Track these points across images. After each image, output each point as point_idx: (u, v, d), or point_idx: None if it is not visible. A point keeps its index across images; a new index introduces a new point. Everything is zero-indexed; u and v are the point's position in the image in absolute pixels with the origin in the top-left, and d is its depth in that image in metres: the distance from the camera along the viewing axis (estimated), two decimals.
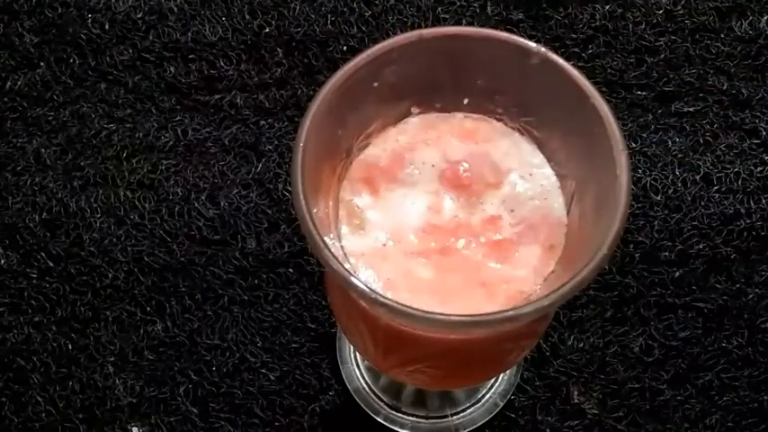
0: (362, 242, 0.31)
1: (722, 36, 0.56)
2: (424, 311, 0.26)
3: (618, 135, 0.28)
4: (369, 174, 0.33)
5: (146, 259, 0.50)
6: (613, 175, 0.28)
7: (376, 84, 0.31)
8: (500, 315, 0.26)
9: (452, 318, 0.27)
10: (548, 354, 0.49)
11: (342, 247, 0.31)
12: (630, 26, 0.56)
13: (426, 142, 0.33)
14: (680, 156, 0.53)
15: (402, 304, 0.26)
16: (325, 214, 0.31)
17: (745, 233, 0.51)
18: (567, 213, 0.32)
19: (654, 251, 0.50)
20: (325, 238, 0.27)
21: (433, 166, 0.33)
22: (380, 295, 0.26)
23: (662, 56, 0.56)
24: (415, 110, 0.33)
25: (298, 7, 0.57)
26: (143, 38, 0.57)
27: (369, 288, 0.26)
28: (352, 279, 0.26)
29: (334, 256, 0.27)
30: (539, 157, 0.33)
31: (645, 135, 0.54)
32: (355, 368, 0.49)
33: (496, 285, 0.30)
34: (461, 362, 0.33)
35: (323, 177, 0.30)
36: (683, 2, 0.57)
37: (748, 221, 0.51)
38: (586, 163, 0.30)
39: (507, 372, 0.48)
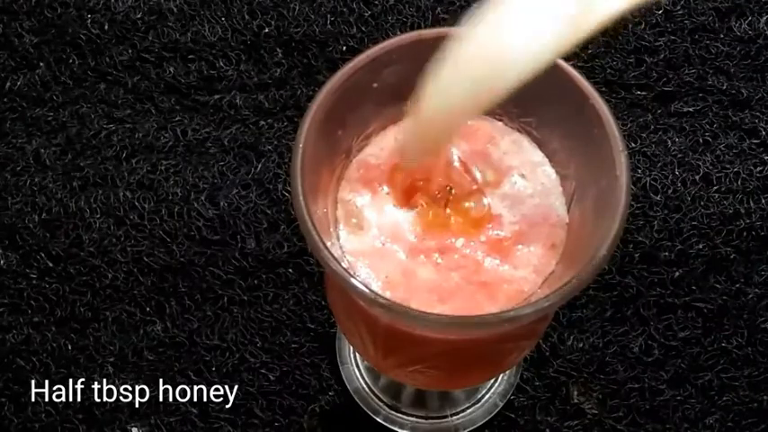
0: (361, 242, 0.31)
1: (722, 36, 0.56)
2: (423, 312, 0.26)
3: (617, 135, 0.28)
4: (367, 173, 0.33)
5: (145, 259, 0.50)
6: (613, 175, 0.28)
7: (375, 85, 0.31)
8: (500, 316, 0.26)
9: (451, 318, 0.27)
10: (547, 354, 0.49)
11: (341, 246, 0.31)
12: (630, 26, 0.56)
13: None
14: (680, 156, 0.53)
15: (401, 305, 0.26)
16: (325, 214, 0.31)
17: (745, 233, 0.51)
18: (567, 213, 0.32)
19: (653, 251, 0.50)
20: (325, 239, 0.27)
21: None
22: (379, 296, 0.26)
23: (661, 56, 0.56)
24: None
25: (297, 7, 0.57)
26: (142, 38, 0.57)
27: (368, 288, 0.26)
28: (352, 279, 0.26)
29: (333, 256, 0.27)
30: (539, 156, 0.33)
31: (644, 135, 0.54)
32: (355, 368, 0.49)
33: (496, 285, 0.30)
34: (461, 362, 0.33)
35: (322, 178, 0.30)
36: (682, 2, 0.57)
37: (748, 221, 0.51)
38: (586, 163, 0.30)
39: (507, 372, 0.48)
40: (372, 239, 0.31)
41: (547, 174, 0.33)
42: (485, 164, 0.33)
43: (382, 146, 0.33)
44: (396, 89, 0.31)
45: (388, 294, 0.30)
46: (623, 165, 0.28)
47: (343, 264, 0.27)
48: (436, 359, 0.32)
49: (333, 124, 0.30)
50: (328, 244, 0.27)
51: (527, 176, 0.33)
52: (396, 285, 0.30)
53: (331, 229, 0.31)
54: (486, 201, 0.32)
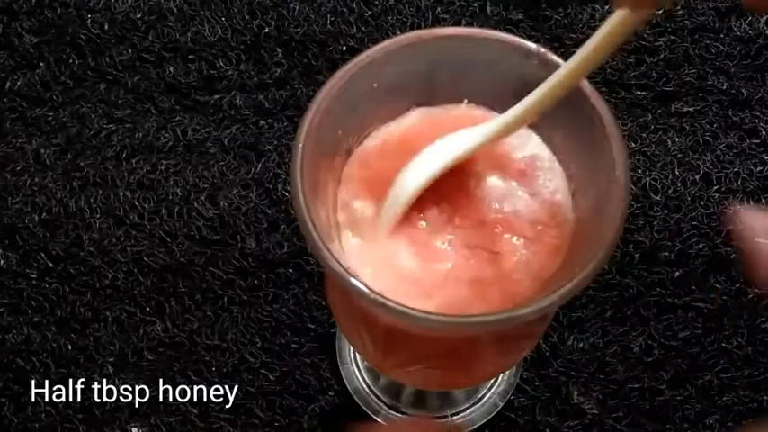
0: (362, 243, 0.31)
1: (722, 36, 0.56)
2: (422, 312, 0.26)
3: (617, 135, 0.28)
4: (367, 164, 0.32)
5: (145, 259, 0.50)
6: (613, 175, 0.28)
7: (375, 85, 0.30)
8: (498, 316, 0.26)
9: (450, 318, 0.26)
10: (547, 354, 0.49)
11: (341, 246, 0.31)
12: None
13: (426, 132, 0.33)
14: (680, 156, 0.53)
15: (400, 305, 0.26)
16: (324, 214, 0.30)
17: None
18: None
19: (653, 251, 0.50)
20: (324, 238, 0.27)
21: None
22: (379, 295, 0.26)
23: (661, 56, 0.56)
24: (414, 111, 0.33)
25: (297, 7, 0.57)
26: (142, 38, 0.57)
27: (368, 288, 0.26)
28: (352, 280, 0.26)
29: (333, 256, 0.27)
30: (546, 152, 0.32)
31: (644, 135, 0.54)
32: (355, 368, 0.49)
33: (490, 284, 0.30)
34: (461, 362, 0.33)
35: (322, 178, 0.30)
36: (682, 2, 0.57)
37: None
38: (586, 163, 0.30)
39: (507, 372, 0.48)
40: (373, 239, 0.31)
41: (555, 170, 0.32)
42: (490, 156, 0.32)
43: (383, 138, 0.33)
44: (396, 89, 0.31)
45: (375, 285, 0.29)
46: (622, 165, 0.28)
47: (342, 263, 0.27)
48: (436, 359, 0.32)
49: (333, 125, 0.30)
50: (328, 244, 0.27)
51: (534, 172, 0.32)
52: (387, 282, 0.30)
53: (331, 229, 0.31)
54: (491, 199, 0.32)
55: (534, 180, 0.32)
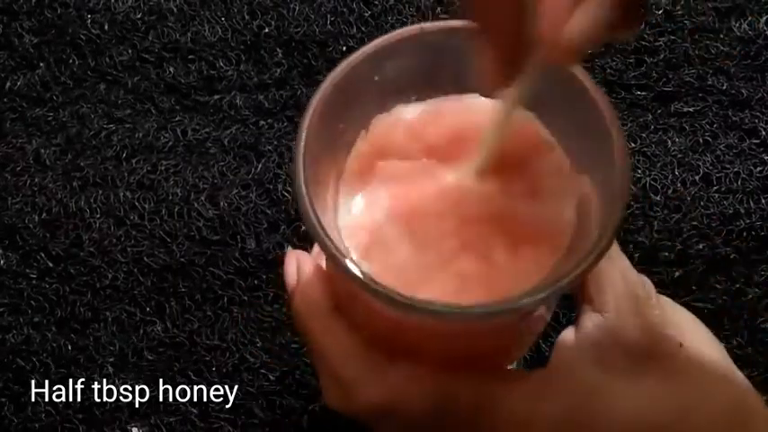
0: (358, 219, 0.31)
1: (721, 36, 0.56)
2: (431, 303, 0.26)
3: (617, 134, 0.28)
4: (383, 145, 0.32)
5: (145, 260, 0.50)
6: (612, 175, 0.28)
7: (377, 78, 0.30)
8: (502, 306, 0.26)
9: (452, 308, 0.26)
10: (547, 354, 0.48)
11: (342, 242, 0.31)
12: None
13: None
14: (679, 156, 0.53)
15: (408, 297, 0.26)
16: (326, 206, 0.30)
17: (745, 233, 0.51)
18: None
19: (653, 251, 0.50)
20: (330, 235, 0.27)
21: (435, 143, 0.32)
22: (385, 288, 0.26)
23: (661, 56, 0.56)
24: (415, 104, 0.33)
25: (297, 7, 0.57)
26: (142, 38, 0.57)
27: (380, 286, 0.26)
28: (362, 277, 0.26)
29: (341, 254, 0.26)
30: (556, 149, 0.32)
31: (644, 135, 0.54)
32: None
33: (477, 283, 0.30)
34: (458, 360, 0.33)
35: (325, 172, 0.30)
36: (682, 2, 0.57)
37: (748, 221, 0.51)
38: (585, 162, 0.30)
39: None
40: (370, 220, 0.31)
41: (559, 172, 0.32)
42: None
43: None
44: (397, 83, 0.31)
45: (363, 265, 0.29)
46: (622, 165, 0.28)
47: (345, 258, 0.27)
48: (435, 354, 0.32)
49: (335, 118, 0.30)
50: (335, 239, 0.27)
51: (539, 173, 0.32)
52: (374, 268, 0.30)
53: (333, 220, 0.31)
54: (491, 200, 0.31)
55: (538, 181, 0.31)
